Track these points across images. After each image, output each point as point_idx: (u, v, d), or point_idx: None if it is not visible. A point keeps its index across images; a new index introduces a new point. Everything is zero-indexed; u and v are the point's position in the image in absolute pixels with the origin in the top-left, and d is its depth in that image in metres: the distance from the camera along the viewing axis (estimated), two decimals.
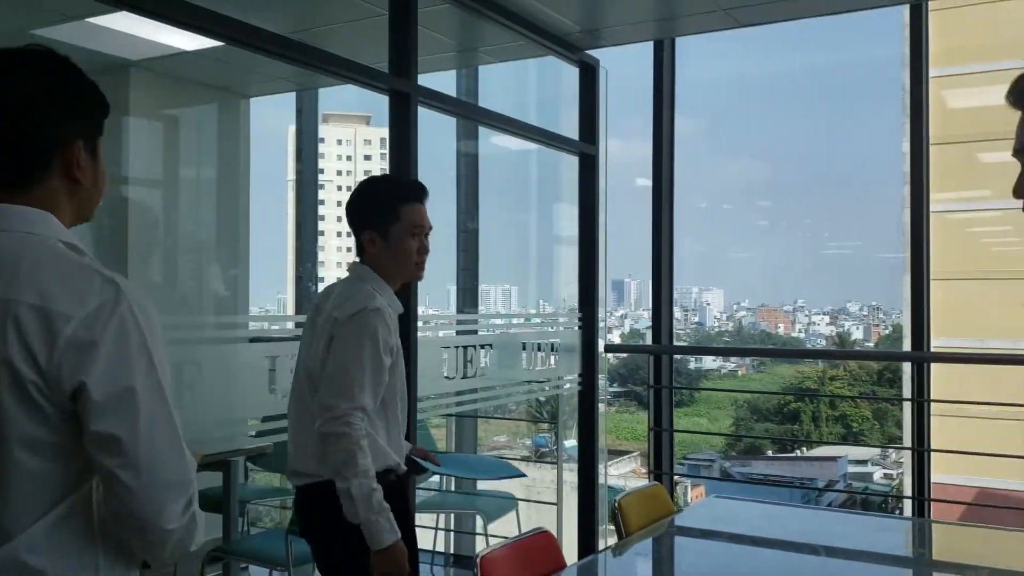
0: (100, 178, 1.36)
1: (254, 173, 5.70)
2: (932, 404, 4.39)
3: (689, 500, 16.68)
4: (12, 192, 1.27)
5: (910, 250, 4.36)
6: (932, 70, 4.44)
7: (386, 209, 2.44)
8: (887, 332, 26.77)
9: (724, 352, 29.65)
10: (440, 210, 5.36)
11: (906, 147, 4.53)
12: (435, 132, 4.48)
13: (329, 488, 2.23)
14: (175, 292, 5.13)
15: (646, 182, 5.03)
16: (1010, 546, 2.86)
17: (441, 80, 4.78)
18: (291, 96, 5.79)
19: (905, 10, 4.49)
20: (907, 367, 4.90)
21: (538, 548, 2.49)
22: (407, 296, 3.66)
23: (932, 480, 4.37)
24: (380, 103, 3.74)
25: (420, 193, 2.51)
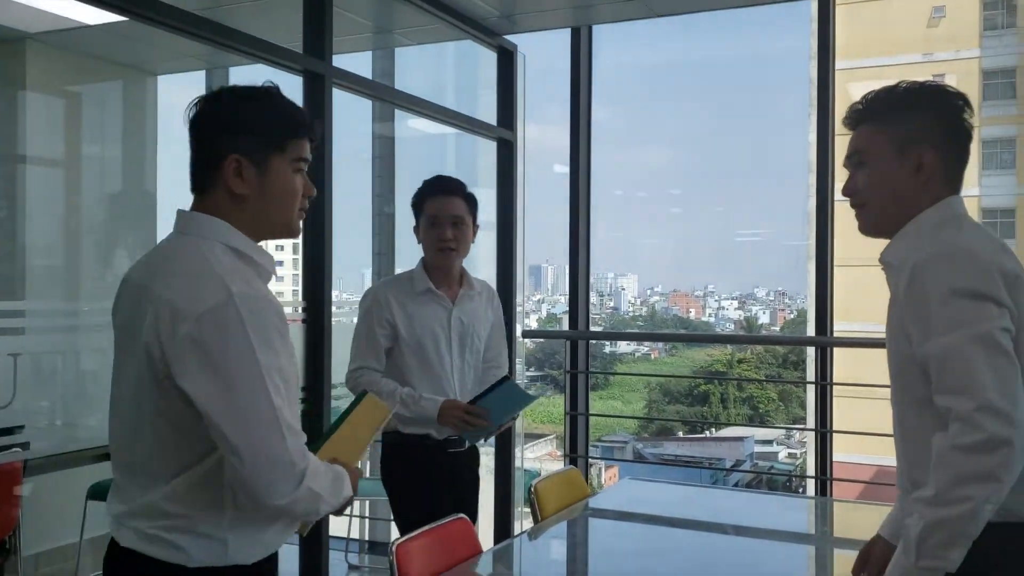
0: (278, 192, 1.53)
1: (161, 153, 5.49)
2: (835, 387, 4.56)
3: (603, 481, 16.99)
4: (197, 199, 1.54)
5: (815, 237, 4.49)
6: (838, 63, 4.58)
7: (415, 206, 2.90)
8: (792, 316, 27.70)
9: (638, 337, 30.24)
10: (355, 194, 5.28)
11: (812, 137, 4.67)
12: (350, 115, 4.40)
13: (386, 439, 2.86)
14: (77, 277, 4.91)
15: (563, 168, 5.06)
16: None
17: (355, 61, 4.69)
18: (201, 74, 5.59)
19: (813, 4, 4.62)
20: (811, 351, 5.08)
21: (454, 534, 2.47)
22: (321, 280, 3.61)
23: (834, 459, 4.54)
24: (290, 84, 3.65)
25: (436, 187, 2.87)
